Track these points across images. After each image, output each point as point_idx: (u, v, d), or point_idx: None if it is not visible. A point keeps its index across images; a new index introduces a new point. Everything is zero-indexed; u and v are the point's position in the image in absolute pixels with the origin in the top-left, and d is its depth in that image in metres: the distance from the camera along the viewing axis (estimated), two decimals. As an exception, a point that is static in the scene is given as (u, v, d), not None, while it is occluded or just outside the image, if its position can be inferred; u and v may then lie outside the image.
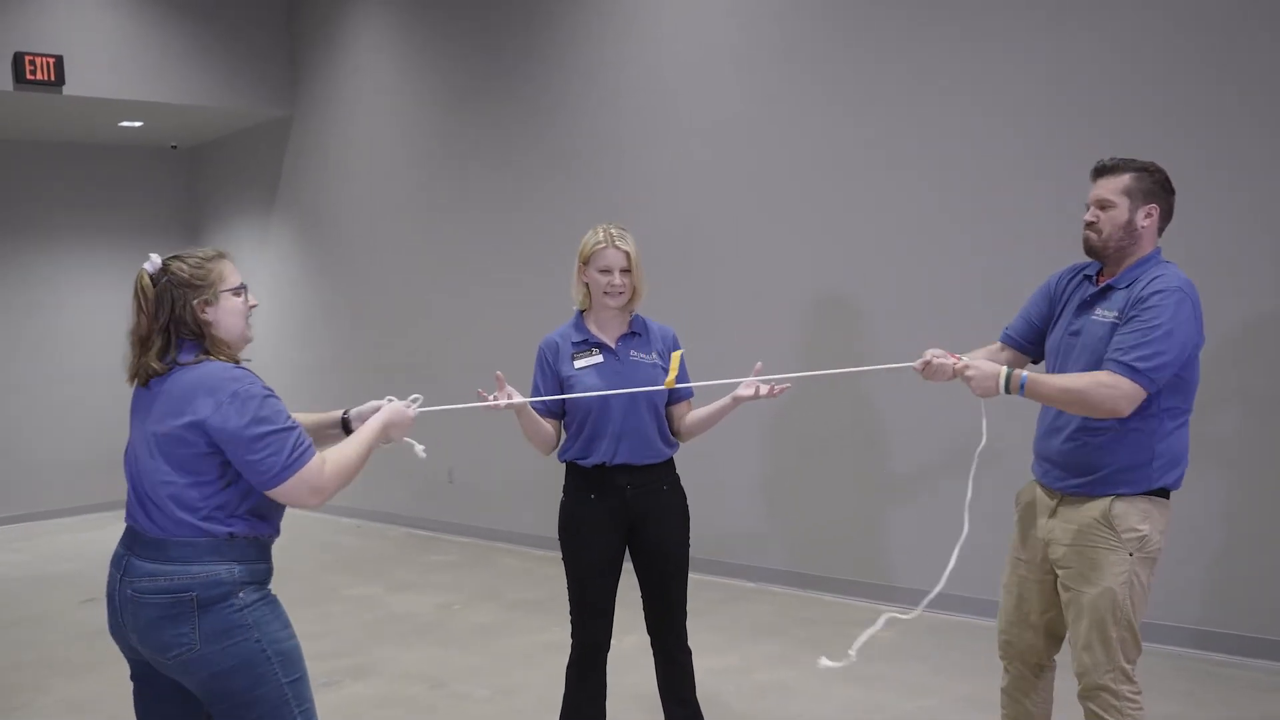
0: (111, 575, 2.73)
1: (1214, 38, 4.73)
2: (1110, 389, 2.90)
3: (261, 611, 2.67)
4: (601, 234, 3.56)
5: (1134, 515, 3.02)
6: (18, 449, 10.34)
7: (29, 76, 8.22)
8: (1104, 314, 3.05)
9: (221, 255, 2.79)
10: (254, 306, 2.84)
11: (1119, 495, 3.03)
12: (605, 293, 3.55)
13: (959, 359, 3.12)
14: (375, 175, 9.19)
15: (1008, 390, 3.01)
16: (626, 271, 3.54)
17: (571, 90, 7.40)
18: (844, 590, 6.11)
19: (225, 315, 2.74)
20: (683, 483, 3.74)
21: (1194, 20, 4.78)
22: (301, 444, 2.64)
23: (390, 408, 2.93)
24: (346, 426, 3.05)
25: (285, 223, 10.33)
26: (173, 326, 2.69)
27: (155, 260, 2.73)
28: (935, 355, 3.13)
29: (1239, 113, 4.69)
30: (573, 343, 3.62)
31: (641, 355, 3.62)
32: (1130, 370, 2.90)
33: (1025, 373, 3.01)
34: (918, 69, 5.64)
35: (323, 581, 7.27)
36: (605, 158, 7.23)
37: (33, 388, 10.45)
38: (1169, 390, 2.99)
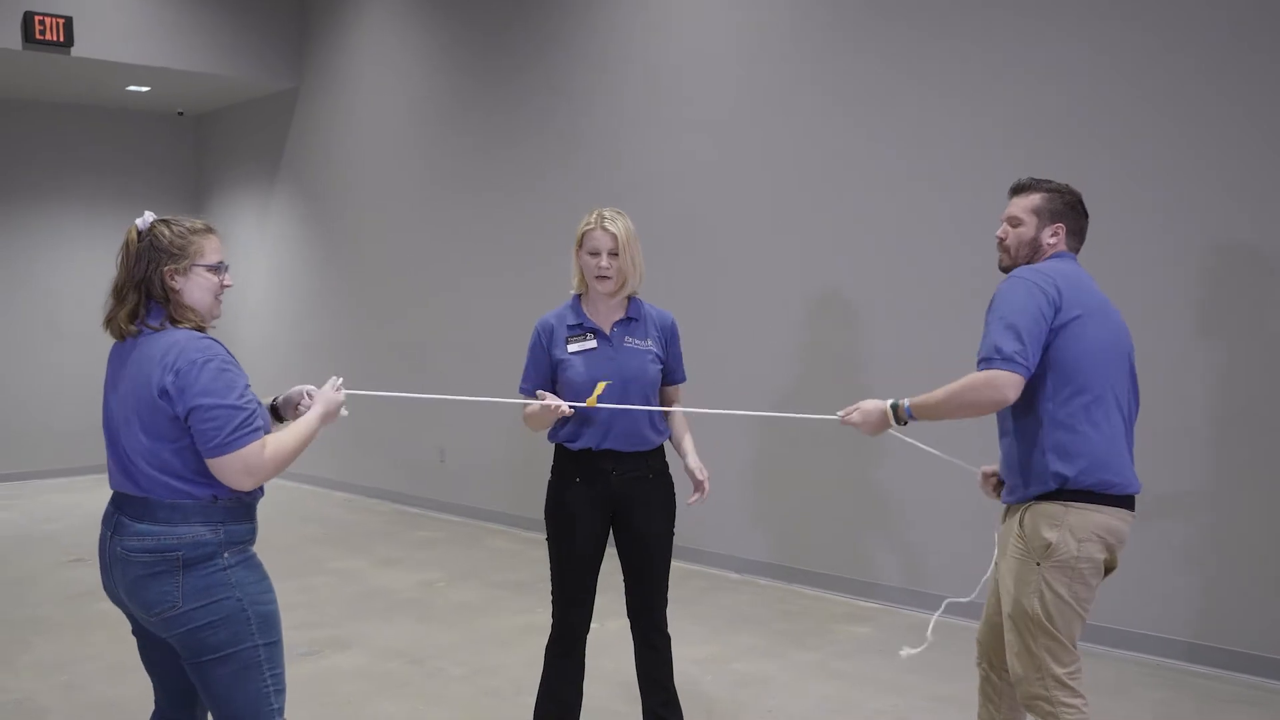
0: (102, 533, 2.76)
1: (1211, 45, 4.72)
2: (979, 385, 2.96)
3: (244, 573, 2.72)
4: (593, 217, 3.54)
5: (1041, 523, 3.01)
6: (8, 408, 10.37)
7: (38, 36, 8.21)
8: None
9: (209, 230, 2.81)
10: (228, 287, 2.85)
11: (1033, 502, 3.04)
12: (595, 276, 3.53)
13: (847, 411, 3.26)
14: (379, 152, 9.18)
15: (899, 422, 3.13)
16: (614, 255, 3.50)
17: (578, 77, 7.39)
18: (827, 585, 6.13)
19: (194, 288, 2.76)
20: (672, 472, 3.73)
21: (1192, 28, 4.77)
22: (248, 424, 2.65)
23: (325, 397, 2.93)
24: (276, 413, 3.05)
25: (288, 195, 10.33)
26: (144, 287, 2.72)
27: (147, 218, 2.76)
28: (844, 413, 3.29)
29: (1236, 117, 4.69)
30: (567, 325, 3.60)
31: (635, 341, 3.59)
32: (983, 361, 2.97)
33: (907, 400, 3.11)
34: (921, 69, 5.64)
35: (308, 553, 7.28)
36: (610, 145, 7.22)
37: (26, 348, 10.47)
38: (1044, 375, 2.99)
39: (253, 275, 10.87)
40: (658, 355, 3.62)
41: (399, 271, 9.11)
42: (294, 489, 9.68)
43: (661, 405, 3.69)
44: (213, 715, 2.78)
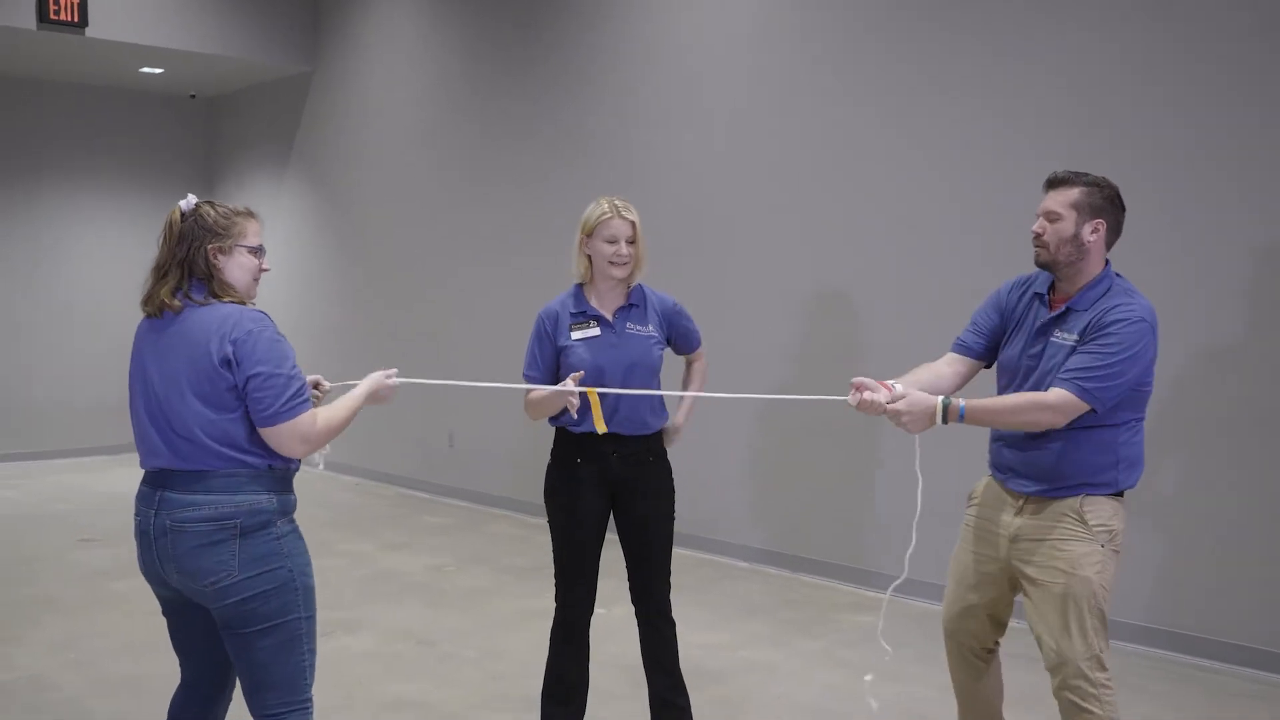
0: (143, 513, 2.79)
1: (1224, 40, 4.72)
2: (1051, 408, 2.97)
3: (295, 542, 2.82)
4: (606, 205, 3.59)
5: (1104, 511, 3.09)
6: (21, 388, 10.39)
7: (52, 16, 8.23)
8: (1064, 337, 3.09)
9: (251, 215, 2.92)
10: (266, 270, 2.95)
11: (1087, 494, 3.09)
12: (611, 263, 3.56)
13: (891, 394, 3.07)
14: (392, 138, 9.19)
15: (945, 421, 3.05)
16: (632, 242, 3.58)
17: (593, 68, 7.40)
18: (834, 574, 6.14)
19: (235, 268, 2.86)
20: (679, 460, 3.78)
21: (1203, 20, 4.77)
22: (302, 394, 2.76)
23: (375, 379, 3.03)
24: None
25: (300, 179, 10.35)
26: (187, 265, 2.80)
27: (191, 200, 2.86)
28: (866, 388, 3.09)
29: (1248, 115, 4.69)
30: (570, 313, 3.65)
31: (637, 328, 3.65)
32: (1080, 390, 2.96)
33: (962, 401, 3.03)
34: (935, 65, 5.63)
35: (317, 536, 7.25)
36: (623, 137, 7.23)
37: (39, 328, 10.50)
38: (1127, 401, 3.05)
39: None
40: (659, 340, 3.69)
41: (410, 258, 9.12)
42: (301, 472, 9.66)
43: (686, 371, 3.84)
44: (248, 686, 2.81)
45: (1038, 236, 3.12)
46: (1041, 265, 3.16)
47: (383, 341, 9.42)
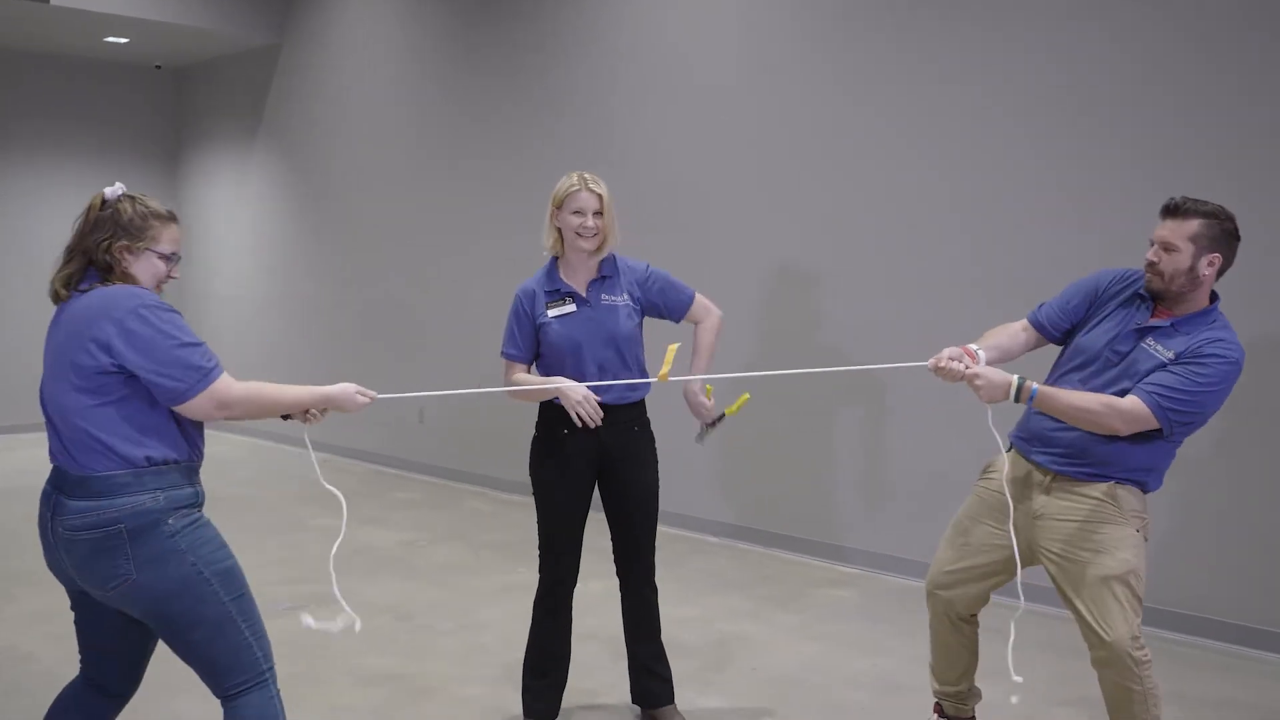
0: (42, 513, 2.75)
1: (1221, 31, 4.77)
2: (1122, 415, 3.03)
3: (193, 535, 2.71)
4: (575, 178, 3.65)
5: (1134, 500, 3.19)
6: (-16, 361, 10.27)
7: (17, -16, 8.11)
8: (1158, 349, 3.10)
9: (172, 219, 2.82)
10: (174, 278, 2.85)
11: (1118, 482, 3.18)
12: (578, 234, 3.62)
13: (971, 363, 3.14)
14: (362, 111, 9.13)
15: (1017, 400, 3.09)
16: (599, 214, 3.62)
17: (571, 41, 7.38)
18: (806, 550, 6.21)
19: (141, 270, 2.76)
20: (657, 438, 3.83)
21: (1200, 14, 4.81)
22: (210, 358, 2.67)
23: (346, 392, 2.96)
24: None
25: (268, 153, 10.26)
26: (90, 255, 2.73)
27: (118, 189, 2.78)
28: (951, 357, 3.16)
29: (1244, 107, 4.73)
30: (545, 291, 3.70)
31: (612, 298, 3.70)
32: (1158, 408, 3.02)
33: (1035, 385, 3.09)
34: (922, 51, 5.65)
35: (290, 511, 7.30)
36: (599, 112, 7.22)
37: (7, 299, 10.36)
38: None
39: (230, 233, 10.80)
40: (634, 309, 3.73)
41: (380, 232, 9.08)
42: (273, 449, 9.66)
43: (695, 338, 3.84)
44: (200, 675, 2.80)
45: (1152, 265, 3.11)
46: (1153, 293, 3.15)
47: (352, 313, 9.38)
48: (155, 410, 2.68)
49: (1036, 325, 3.42)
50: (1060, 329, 3.39)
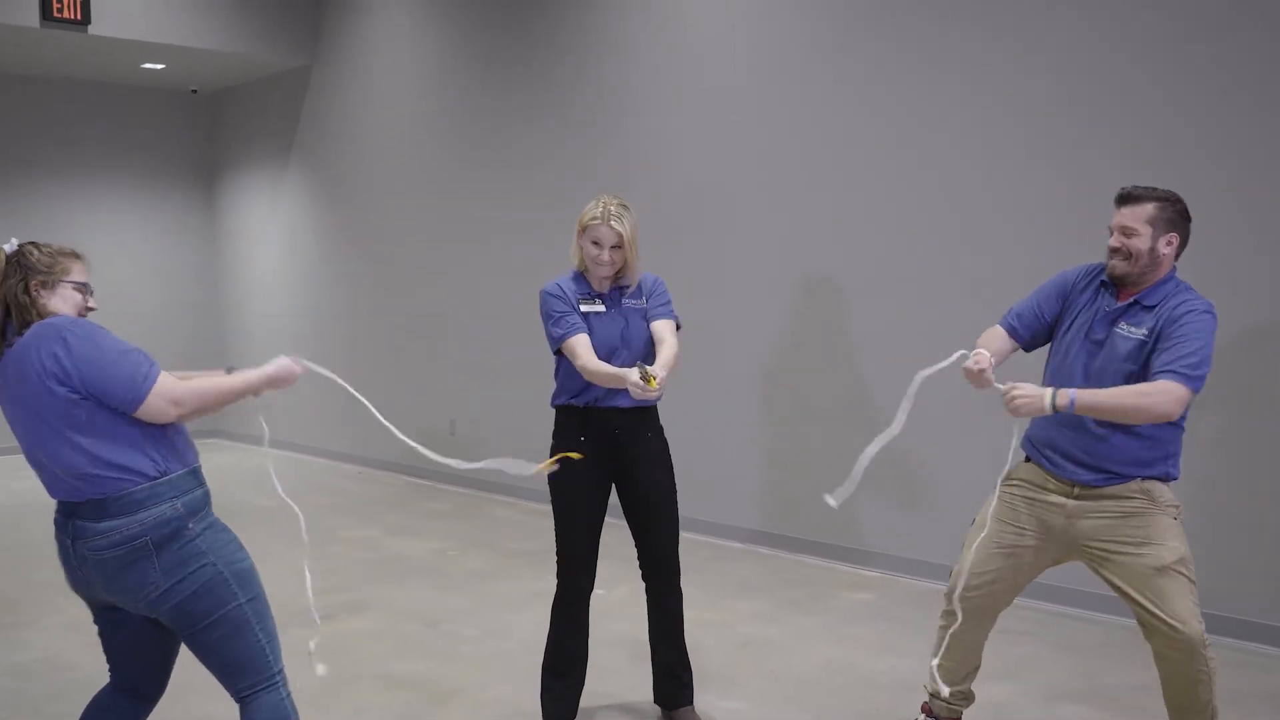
0: (61, 540, 2.87)
1: (1216, 31, 4.80)
2: (1166, 395, 3.08)
3: (212, 537, 2.84)
4: (600, 209, 3.66)
5: (1164, 492, 3.26)
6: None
7: (55, 14, 8.33)
8: (1131, 330, 3.23)
9: (76, 255, 2.91)
10: (92, 310, 2.93)
11: (1143, 479, 3.25)
12: (594, 262, 3.70)
13: (1009, 388, 3.18)
14: (392, 129, 9.29)
15: (1054, 411, 3.15)
16: (617, 248, 3.68)
17: (593, 53, 7.49)
18: (830, 555, 6.26)
19: (59, 303, 2.85)
20: (675, 441, 3.93)
21: (1196, 14, 4.85)
22: (147, 361, 2.77)
23: (280, 360, 3.02)
24: None
25: (301, 172, 10.45)
26: (11, 304, 2.80)
27: (13, 243, 2.88)
28: (982, 366, 3.26)
29: (1239, 106, 4.76)
30: (574, 291, 3.78)
31: (634, 303, 3.80)
32: (1186, 377, 3.09)
33: (1073, 393, 3.13)
34: (931, 55, 5.70)
35: (322, 523, 7.44)
36: (623, 122, 7.32)
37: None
38: None
39: (265, 253, 11.01)
40: (645, 312, 3.81)
41: (412, 248, 9.23)
42: (306, 462, 9.83)
43: (653, 339, 3.77)
44: (215, 676, 2.91)
45: (1116, 250, 3.26)
46: (1117, 277, 3.29)
47: (384, 330, 9.53)
48: (135, 421, 2.77)
49: (1011, 332, 3.49)
50: (1034, 331, 3.47)
